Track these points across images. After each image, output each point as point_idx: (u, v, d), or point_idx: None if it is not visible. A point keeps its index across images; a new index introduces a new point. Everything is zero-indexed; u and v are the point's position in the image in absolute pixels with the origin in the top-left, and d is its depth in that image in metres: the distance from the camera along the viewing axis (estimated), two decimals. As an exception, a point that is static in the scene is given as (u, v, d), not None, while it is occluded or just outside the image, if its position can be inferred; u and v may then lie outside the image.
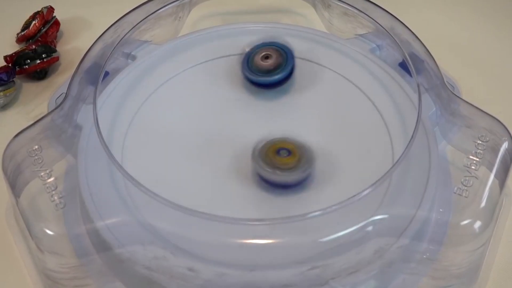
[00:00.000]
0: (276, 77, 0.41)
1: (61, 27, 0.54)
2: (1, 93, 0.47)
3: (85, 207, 0.35)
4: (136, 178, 0.34)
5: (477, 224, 0.35)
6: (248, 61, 0.42)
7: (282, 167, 0.36)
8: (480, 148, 0.38)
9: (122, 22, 0.43)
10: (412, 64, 0.40)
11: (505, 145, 0.37)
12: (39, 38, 0.52)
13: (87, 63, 0.41)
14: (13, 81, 0.48)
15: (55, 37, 0.53)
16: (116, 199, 0.36)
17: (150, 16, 0.43)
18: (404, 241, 0.34)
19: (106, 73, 0.43)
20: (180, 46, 0.45)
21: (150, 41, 0.46)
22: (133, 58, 0.45)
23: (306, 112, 0.41)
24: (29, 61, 0.49)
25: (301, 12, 0.54)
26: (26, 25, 0.52)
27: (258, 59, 0.41)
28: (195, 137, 0.39)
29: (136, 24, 0.43)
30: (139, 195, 0.34)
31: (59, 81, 0.50)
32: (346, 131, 0.40)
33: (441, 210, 0.36)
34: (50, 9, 0.53)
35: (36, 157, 0.37)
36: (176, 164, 0.38)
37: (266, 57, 0.41)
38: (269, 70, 0.41)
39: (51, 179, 0.37)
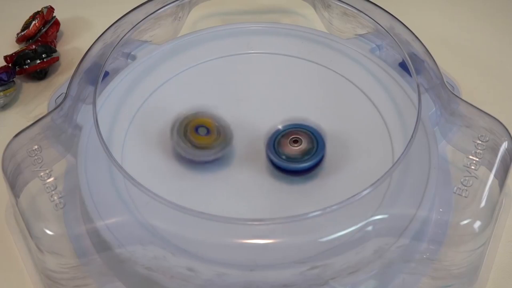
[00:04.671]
0: (305, 164, 0.37)
1: (61, 27, 0.54)
2: (1, 93, 0.47)
3: (85, 207, 0.35)
4: (136, 178, 0.34)
5: (477, 224, 0.36)
6: (274, 144, 0.37)
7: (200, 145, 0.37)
8: (479, 148, 0.38)
9: (122, 22, 0.43)
10: (412, 64, 0.40)
11: (504, 145, 0.37)
12: (39, 38, 0.52)
13: (87, 63, 0.41)
14: (13, 81, 0.48)
15: (55, 37, 0.53)
16: (116, 199, 0.36)
17: (150, 16, 0.43)
18: (404, 241, 0.34)
19: (106, 73, 0.43)
20: (180, 46, 0.45)
21: (150, 41, 0.46)
22: (133, 58, 0.45)
23: (306, 112, 0.41)
24: (29, 61, 0.49)
25: (301, 12, 0.54)
26: (26, 25, 0.52)
27: (286, 143, 0.37)
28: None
29: (136, 24, 0.43)
30: (139, 195, 0.34)
31: (59, 81, 0.50)
32: (346, 131, 0.40)
33: (441, 210, 0.36)
34: (50, 9, 0.53)
35: (36, 157, 0.37)
36: (176, 164, 0.38)
37: (295, 141, 0.37)
38: (297, 156, 0.37)
39: (51, 179, 0.37)
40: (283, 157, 0.37)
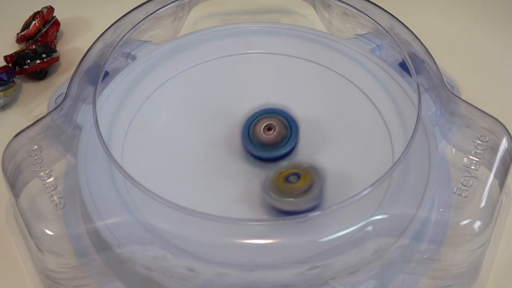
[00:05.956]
0: (281, 152, 0.37)
1: (61, 27, 0.54)
2: (1, 93, 0.47)
3: (85, 207, 0.35)
4: (136, 178, 0.34)
5: (477, 224, 0.36)
6: (249, 132, 0.38)
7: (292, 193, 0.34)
8: (479, 148, 0.38)
9: (122, 22, 0.43)
10: (412, 64, 0.40)
11: (504, 145, 0.37)
12: (39, 38, 0.52)
13: (87, 63, 0.41)
14: (13, 81, 0.48)
15: (55, 37, 0.53)
16: (116, 199, 0.36)
17: (150, 16, 0.43)
18: (404, 241, 0.34)
19: (106, 73, 0.43)
20: (180, 46, 0.45)
21: (150, 41, 0.46)
22: (133, 58, 0.45)
23: (306, 112, 0.41)
24: (29, 61, 0.49)
25: (301, 12, 0.54)
26: (26, 25, 0.52)
27: (259, 131, 0.37)
28: (195, 137, 0.40)
29: (136, 24, 0.43)
30: (139, 195, 0.34)
31: (59, 81, 0.50)
32: (346, 131, 0.40)
33: (441, 210, 0.36)
34: (50, 9, 0.53)
35: (36, 157, 0.37)
36: (176, 164, 0.38)
37: (269, 128, 0.37)
38: (272, 143, 0.37)
39: (51, 179, 0.37)
40: (258, 145, 0.37)
